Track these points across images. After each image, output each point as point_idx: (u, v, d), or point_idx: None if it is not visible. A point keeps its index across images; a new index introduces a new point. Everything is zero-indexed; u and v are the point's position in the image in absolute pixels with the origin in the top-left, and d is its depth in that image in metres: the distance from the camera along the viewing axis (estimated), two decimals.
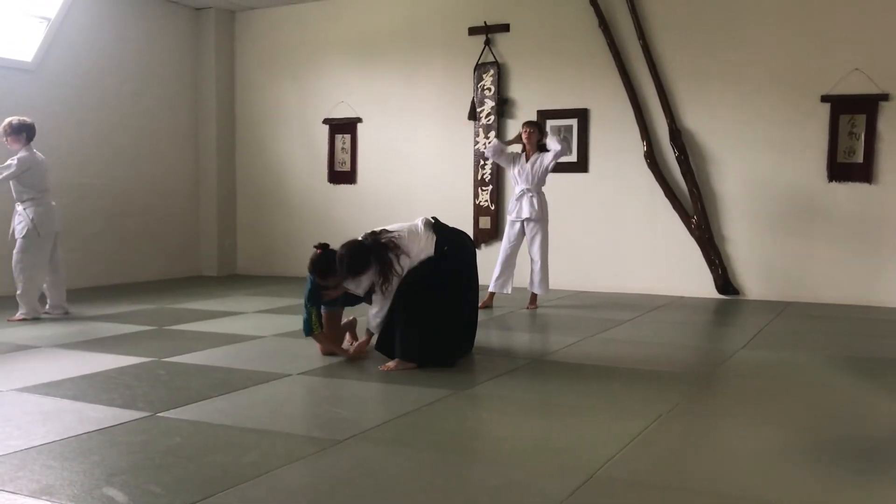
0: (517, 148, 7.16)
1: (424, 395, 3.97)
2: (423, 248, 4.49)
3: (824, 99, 7.71)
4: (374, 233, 4.49)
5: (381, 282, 4.36)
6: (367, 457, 3.04)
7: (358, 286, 4.47)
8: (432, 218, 4.73)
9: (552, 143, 7.08)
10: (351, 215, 9.56)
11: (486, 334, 5.64)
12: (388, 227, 4.54)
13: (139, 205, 9.40)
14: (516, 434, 3.44)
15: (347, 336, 5.18)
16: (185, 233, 10.00)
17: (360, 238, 4.48)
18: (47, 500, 2.61)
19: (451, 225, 4.83)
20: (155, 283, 9.16)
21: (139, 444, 3.17)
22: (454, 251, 4.61)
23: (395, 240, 4.42)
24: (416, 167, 9.39)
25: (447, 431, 3.45)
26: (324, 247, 4.54)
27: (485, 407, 3.89)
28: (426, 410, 3.73)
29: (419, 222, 4.61)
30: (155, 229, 9.60)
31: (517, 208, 7.18)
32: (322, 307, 4.86)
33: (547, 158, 7.01)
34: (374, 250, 4.36)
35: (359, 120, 9.68)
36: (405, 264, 4.40)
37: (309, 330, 4.71)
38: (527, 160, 7.07)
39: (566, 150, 7.17)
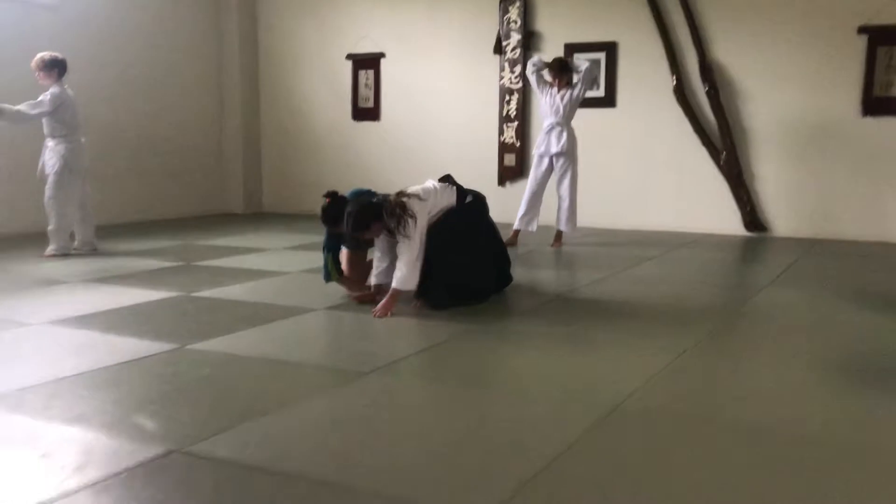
0: (550, 77, 6.98)
1: (450, 330, 3.97)
2: (442, 196, 4.41)
3: (861, 30, 7.46)
4: (383, 195, 4.41)
5: (396, 224, 4.23)
6: (389, 389, 3.05)
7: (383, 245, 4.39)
8: (445, 176, 4.62)
9: (579, 64, 6.90)
10: (375, 152, 9.51)
11: (512, 272, 5.58)
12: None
13: (164, 143, 9.39)
14: (540, 369, 3.43)
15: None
16: (210, 171, 10.01)
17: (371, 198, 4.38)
18: (80, 428, 2.66)
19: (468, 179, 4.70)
20: (181, 220, 9.18)
21: (169, 375, 3.21)
22: (477, 203, 4.56)
23: (406, 190, 4.33)
24: (440, 102, 9.28)
25: (470, 365, 3.44)
26: (332, 195, 4.49)
27: (510, 342, 3.88)
28: (451, 344, 3.73)
29: (430, 182, 4.53)
30: (180, 167, 9.60)
31: (545, 143, 7.03)
32: (343, 249, 4.79)
33: (576, 88, 6.86)
34: (384, 203, 4.26)
35: (382, 55, 9.55)
36: (421, 208, 4.28)
37: (327, 276, 4.67)
38: (557, 92, 6.92)
39: (594, 68, 6.98)
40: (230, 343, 3.73)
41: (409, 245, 4.22)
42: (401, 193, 4.38)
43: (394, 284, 4.26)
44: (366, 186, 4.87)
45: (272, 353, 3.57)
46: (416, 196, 4.34)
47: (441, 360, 3.50)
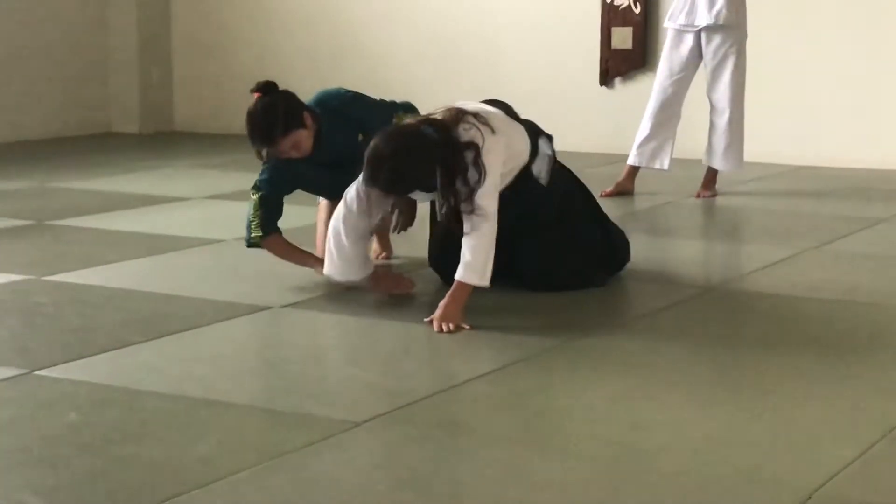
0: None
1: (507, 349, 2.97)
2: (515, 135, 3.25)
3: None
4: (430, 119, 3.07)
5: (449, 194, 2.93)
6: (394, 454, 2.26)
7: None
8: (493, 101, 3.42)
9: None
10: (373, 27, 6.72)
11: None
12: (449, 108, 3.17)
13: (10, 20, 7.23)
14: (667, 425, 2.44)
15: (374, 244, 3.78)
16: (85, 61, 7.66)
17: (412, 121, 3.09)
18: None
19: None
20: (36, 144, 7.36)
21: (4, 424, 2.45)
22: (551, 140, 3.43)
23: (479, 123, 3.03)
24: None
25: (539, 414, 2.52)
26: (266, 89, 3.26)
27: (609, 373, 2.88)
28: (508, 374, 2.75)
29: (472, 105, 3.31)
30: (38, 56, 7.33)
31: (687, 7, 5.15)
32: (322, 201, 3.52)
33: None
34: (445, 145, 2.98)
35: None
36: (496, 150, 3.04)
37: (249, 236, 3.40)
38: None
39: None
40: (115, 367, 2.79)
41: (489, 218, 3.08)
42: (461, 113, 3.06)
43: (460, 276, 3.06)
44: (345, 87, 3.67)
45: (191, 385, 2.62)
46: (487, 123, 3.05)
47: (488, 402, 2.58)
